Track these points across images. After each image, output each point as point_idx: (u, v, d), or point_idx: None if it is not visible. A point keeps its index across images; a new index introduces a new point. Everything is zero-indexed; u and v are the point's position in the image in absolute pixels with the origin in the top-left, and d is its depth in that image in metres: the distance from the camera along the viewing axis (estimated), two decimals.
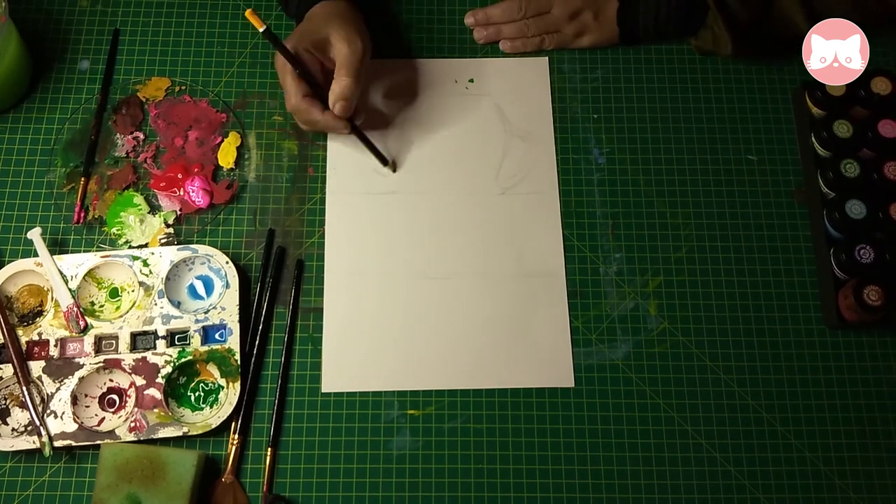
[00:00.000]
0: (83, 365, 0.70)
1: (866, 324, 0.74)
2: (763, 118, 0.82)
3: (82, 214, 0.76)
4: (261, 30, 0.64)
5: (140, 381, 0.70)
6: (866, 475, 0.71)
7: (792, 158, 0.80)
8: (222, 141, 0.79)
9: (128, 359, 0.70)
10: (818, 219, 0.76)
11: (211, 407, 0.70)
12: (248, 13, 0.64)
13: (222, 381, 0.71)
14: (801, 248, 0.77)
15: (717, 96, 0.82)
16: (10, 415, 0.69)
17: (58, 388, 0.69)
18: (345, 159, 0.79)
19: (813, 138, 0.78)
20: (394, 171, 0.79)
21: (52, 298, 0.72)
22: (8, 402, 0.70)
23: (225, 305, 0.72)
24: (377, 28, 0.82)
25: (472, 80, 0.82)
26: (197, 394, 0.71)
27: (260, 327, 0.73)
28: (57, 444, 0.68)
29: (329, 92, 0.71)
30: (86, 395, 0.70)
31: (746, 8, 0.77)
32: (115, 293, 0.74)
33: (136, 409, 0.69)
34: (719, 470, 0.70)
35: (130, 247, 0.75)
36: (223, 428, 0.70)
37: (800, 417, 0.72)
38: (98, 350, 0.71)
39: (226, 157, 0.78)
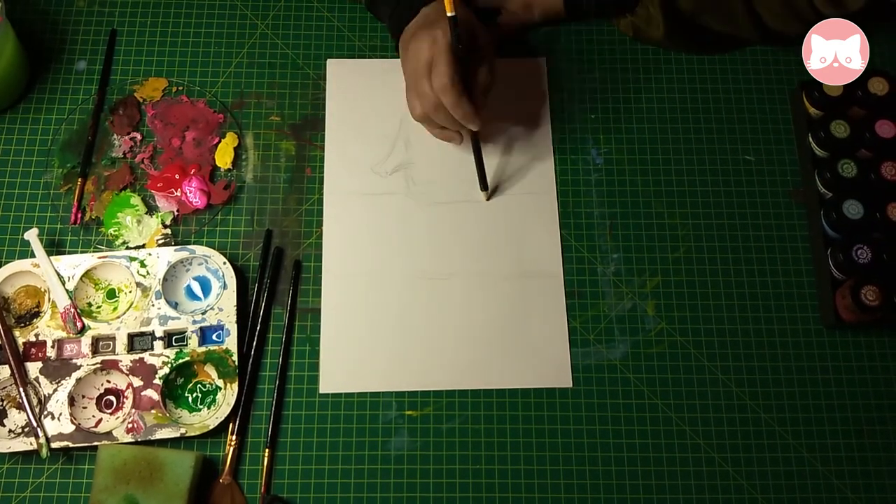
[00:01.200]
0: (80, 366, 0.70)
1: (863, 324, 0.74)
2: (760, 118, 0.82)
3: (79, 215, 0.76)
4: (450, 14, 0.64)
5: (137, 382, 0.70)
6: (864, 475, 0.71)
7: (789, 159, 0.81)
8: (219, 141, 0.79)
9: (125, 360, 0.70)
10: (815, 219, 0.76)
11: (208, 408, 0.70)
12: None
13: (220, 382, 0.71)
14: (799, 248, 0.77)
15: (715, 96, 0.83)
16: (6, 416, 0.69)
17: (55, 390, 0.69)
18: (342, 160, 0.79)
19: (810, 138, 0.78)
20: (487, 199, 0.78)
21: (49, 299, 0.72)
22: (5, 403, 0.70)
23: (222, 306, 0.72)
24: (376, 27, 0.82)
25: None
26: (194, 395, 0.71)
27: (258, 328, 0.73)
28: (54, 445, 0.67)
29: (476, 74, 0.69)
30: (83, 397, 0.70)
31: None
32: (112, 294, 0.74)
33: (133, 411, 0.69)
34: (717, 470, 0.70)
35: (128, 247, 0.75)
36: (221, 429, 0.70)
37: (797, 417, 0.72)
38: (95, 351, 0.71)
39: (223, 157, 0.78)
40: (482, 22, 0.72)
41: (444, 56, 0.67)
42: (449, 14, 0.64)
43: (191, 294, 0.74)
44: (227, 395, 0.70)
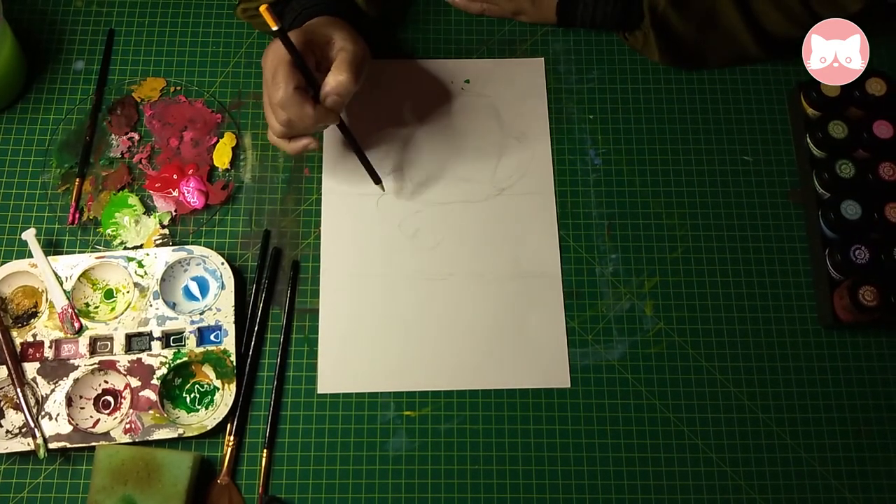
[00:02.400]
0: (78, 366, 0.70)
1: (861, 324, 0.74)
2: (758, 119, 0.82)
3: (77, 215, 0.76)
4: (274, 28, 0.62)
5: (135, 382, 0.69)
6: (861, 475, 0.71)
7: (787, 159, 0.81)
8: (217, 141, 0.79)
9: (123, 360, 0.70)
10: (813, 219, 0.77)
11: (206, 408, 0.70)
12: (262, 9, 0.62)
13: (218, 383, 0.71)
14: (797, 248, 0.78)
15: (713, 97, 0.83)
16: (4, 417, 0.69)
17: (52, 390, 0.69)
18: (340, 160, 0.79)
19: (808, 139, 0.79)
20: (383, 190, 0.77)
21: (47, 300, 0.71)
22: (2, 403, 0.69)
23: (220, 307, 0.72)
24: (374, 28, 0.82)
25: (467, 81, 0.82)
26: (192, 395, 0.71)
27: (255, 328, 0.73)
28: (51, 445, 0.67)
29: (322, 84, 0.68)
30: (81, 397, 0.70)
31: (685, 23, 0.78)
32: (109, 294, 0.73)
33: (131, 411, 0.69)
34: (715, 470, 0.71)
35: (125, 248, 0.74)
36: (219, 429, 0.69)
37: (795, 418, 0.72)
38: (93, 351, 0.71)
39: (221, 157, 0.78)
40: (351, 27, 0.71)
41: (282, 68, 0.66)
42: (274, 28, 0.62)
43: (189, 294, 0.74)
44: (225, 396, 0.70)
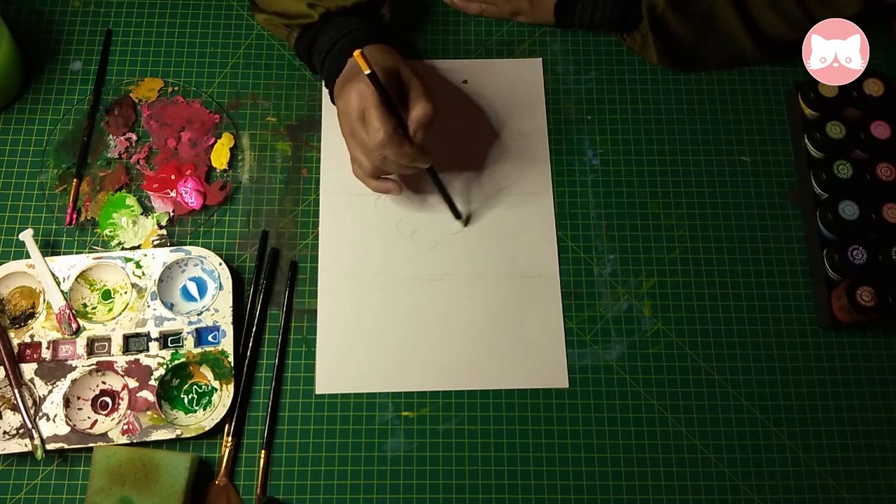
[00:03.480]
0: (75, 367, 0.70)
1: (859, 324, 0.74)
2: (756, 119, 0.82)
3: (74, 216, 0.76)
4: (367, 72, 0.62)
5: (133, 383, 0.69)
6: (859, 475, 0.71)
7: (785, 160, 0.81)
8: (215, 142, 0.79)
9: (120, 361, 0.70)
10: (811, 220, 0.77)
11: (204, 409, 0.70)
12: (356, 54, 0.61)
13: (216, 384, 0.70)
14: (795, 248, 0.78)
15: (711, 98, 0.83)
16: (1, 418, 0.69)
17: (50, 391, 0.69)
18: (338, 161, 0.79)
19: (806, 139, 0.79)
20: (465, 224, 0.77)
21: (45, 300, 0.71)
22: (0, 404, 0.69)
23: (218, 307, 0.72)
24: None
25: (465, 81, 0.82)
26: (190, 396, 0.71)
27: (254, 329, 0.73)
28: (49, 446, 0.67)
29: (410, 121, 0.67)
30: (78, 398, 0.70)
31: (685, 25, 0.78)
32: (107, 295, 0.73)
33: (128, 412, 0.69)
34: (713, 471, 0.71)
35: (123, 248, 0.74)
36: (217, 430, 0.69)
37: (793, 418, 0.72)
38: (90, 352, 0.71)
39: (219, 158, 0.78)
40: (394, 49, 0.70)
41: (374, 111, 0.65)
42: (366, 72, 0.62)
43: (186, 295, 0.74)
44: (223, 397, 0.70)
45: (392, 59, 0.69)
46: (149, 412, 0.69)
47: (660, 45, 0.80)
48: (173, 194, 0.76)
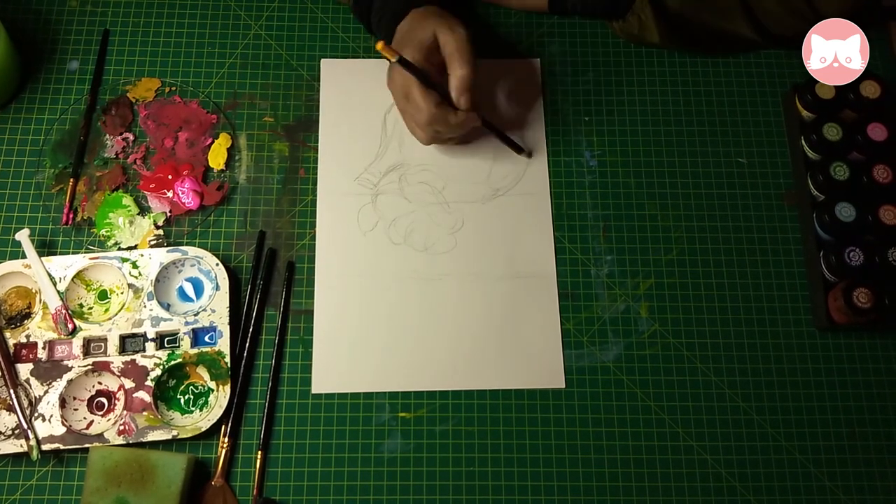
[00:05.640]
0: (71, 367, 0.69)
1: (856, 326, 0.74)
2: (753, 121, 0.82)
3: (71, 216, 0.76)
4: (394, 60, 0.65)
5: (129, 383, 0.69)
6: (856, 476, 0.71)
7: (782, 161, 0.81)
8: (213, 142, 0.79)
9: (117, 361, 0.70)
10: (808, 221, 0.77)
11: (201, 410, 0.70)
12: (379, 46, 0.64)
13: (212, 384, 0.70)
14: (791, 250, 0.78)
15: (708, 99, 0.83)
16: None
17: (46, 391, 0.69)
18: (336, 161, 0.79)
19: (803, 141, 0.79)
20: (529, 157, 0.79)
21: (41, 300, 0.71)
22: None
23: (215, 308, 0.72)
24: (370, 29, 0.82)
25: None
26: (186, 396, 0.71)
27: (250, 330, 0.73)
28: (45, 447, 0.67)
29: (450, 89, 0.70)
30: (74, 398, 0.70)
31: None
32: (103, 295, 0.73)
33: (125, 412, 0.69)
34: (710, 472, 0.71)
35: (119, 248, 0.74)
36: (213, 431, 0.69)
37: (790, 419, 0.72)
38: (87, 353, 0.70)
39: (216, 158, 0.78)
40: (450, 14, 0.71)
41: (416, 90, 0.69)
42: (392, 61, 0.65)
43: (183, 295, 0.74)
44: (220, 397, 0.70)
45: (428, 27, 0.70)
46: (145, 413, 0.68)
47: (660, 23, 0.79)
48: (170, 194, 0.76)
